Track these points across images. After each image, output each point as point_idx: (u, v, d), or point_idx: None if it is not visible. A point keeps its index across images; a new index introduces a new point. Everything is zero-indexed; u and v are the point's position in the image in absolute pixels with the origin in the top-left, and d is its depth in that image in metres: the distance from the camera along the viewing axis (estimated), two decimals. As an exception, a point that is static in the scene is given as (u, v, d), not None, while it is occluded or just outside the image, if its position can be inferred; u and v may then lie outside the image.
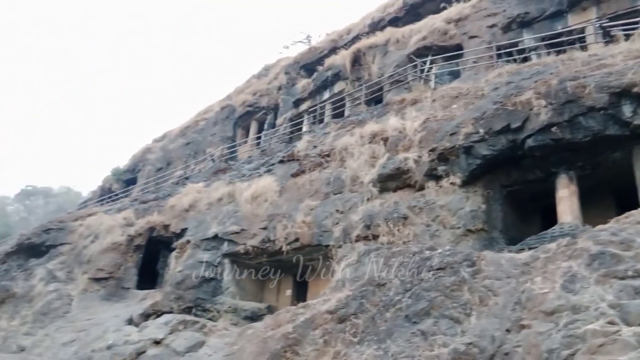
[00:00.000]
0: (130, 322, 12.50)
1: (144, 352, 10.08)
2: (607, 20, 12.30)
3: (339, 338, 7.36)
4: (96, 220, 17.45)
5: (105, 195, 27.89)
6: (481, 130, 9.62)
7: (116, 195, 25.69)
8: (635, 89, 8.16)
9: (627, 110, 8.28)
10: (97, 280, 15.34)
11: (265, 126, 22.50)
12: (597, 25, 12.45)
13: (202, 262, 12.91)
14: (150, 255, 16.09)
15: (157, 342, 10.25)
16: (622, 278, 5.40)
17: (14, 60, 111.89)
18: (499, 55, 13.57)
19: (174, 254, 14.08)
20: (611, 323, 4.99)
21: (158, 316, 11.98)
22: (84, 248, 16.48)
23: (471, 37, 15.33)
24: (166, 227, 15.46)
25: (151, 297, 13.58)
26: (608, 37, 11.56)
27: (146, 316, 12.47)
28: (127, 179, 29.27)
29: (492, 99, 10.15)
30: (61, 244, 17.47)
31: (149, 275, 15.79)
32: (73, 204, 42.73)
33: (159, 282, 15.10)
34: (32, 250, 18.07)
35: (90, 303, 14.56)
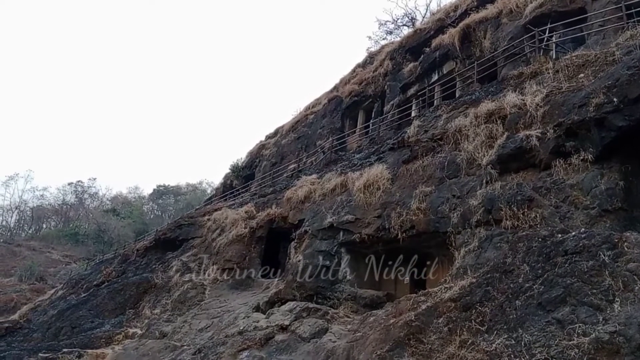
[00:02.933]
0: (257, 309, 13.23)
1: (272, 337, 10.58)
2: None
3: (465, 327, 7.11)
4: (221, 214, 18.67)
5: (227, 191, 29.72)
6: (615, 100, 8.66)
7: (237, 190, 27.26)
8: None
9: None
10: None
11: (373, 115, 22.40)
12: None
13: (320, 251, 13.23)
14: (272, 246, 16.85)
15: (283, 328, 10.70)
16: None
17: (150, 74, 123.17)
18: (630, 16, 12.10)
19: (292, 244, 14.59)
20: None
21: (282, 304, 12.51)
22: (212, 241, 17.73)
23: (595, -1, 13.86)
24: (284, 218, 16.08)
25: (275, 286, 14.22)
26: None
27: (272, 304, 13.09)
28: (246, 174, 30.88)
29: (626, 63, 9.09)
30: (192, 238, 18.97)
31: (271, 265, 16.56)
32: (199, 200, 46.25)
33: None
34: (168, 244, 19.81)
35: (221, 292, 15.63)
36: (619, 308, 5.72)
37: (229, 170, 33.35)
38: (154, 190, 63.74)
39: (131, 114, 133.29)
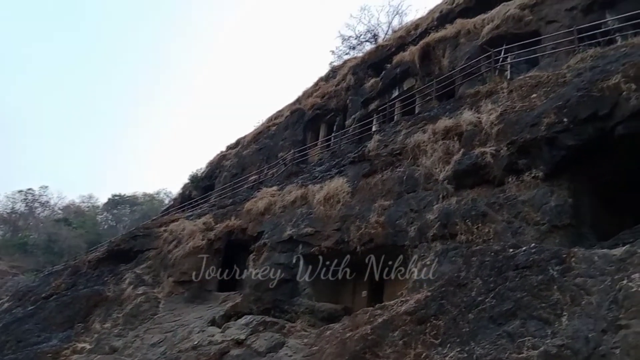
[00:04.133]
0: (213, 323, 12.95)
1: (227, 352, 10.39)
2: None
3: (419, 340, 7.18)
4: (178, 225, 18.28)
5: (186, 201, 29.17)
6: (565, 120, 9.02)
7: (196, 201, 26.79)
8: None
9: None
10: (181, 283, 16.03)
11: (335, 128, 22.55)
12: (693, -2, 11.33)
13: (278, 264, 13.13)
14: (230, 258, 16.59)
15: (239, 343, 10.53)
16: None
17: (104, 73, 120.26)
18: (581, 40, 12.70)
19: (251, 256, 14.42)
20: None
21: (239, 317, 12.31)
22: (168, 253, 17.30)
23: (549, 22, 14.47)
24: (243, 230, 15.89)
25: (232, 299, 13.99)
26: None
27: (228, 317, 12.86)
28: (205, 185, 30.42)
29: (576, 85, 9.50)
30: (147, 250, 18.45)
31: (229, 277, 16.24)
32: (156, 211, 45.15)
33: (239, 284, 15.53)
34: (121, 255, 19.19)
35: (176, 305, 15.25)
36: (567, 322, 5.88)
37: (187, 181, 32.78)
38: (109, 199, 61.85)
39: (87, 121, 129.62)
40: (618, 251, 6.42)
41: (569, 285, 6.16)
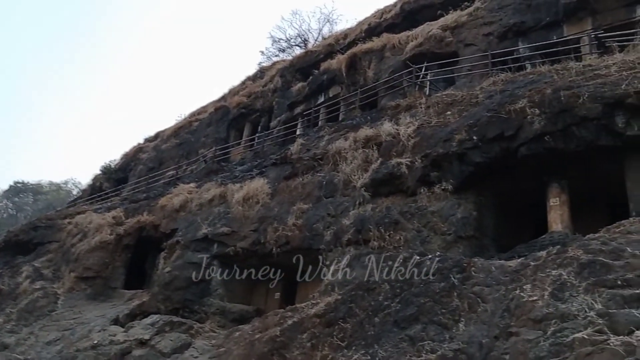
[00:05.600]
0: (116, 322, 12.36)
1: (129, 352, 9.95)
2: (602, 31, 12.36)
3: (327, 342, 7.30)
4: (85, 218, 17.30)
5: (96, 193, 27.63)
6: (475, 138, 9.61)
7: (106, 194, 25.47)
8: (629, 100, 8.19)
9: (619, 121, 8.31)
10: (84, 279, 15.16)
11: (259, 128, 22.42)
12: (593, 36, 12.51)
13: (191, 263, 12.80)
14: (139, 255, 15.94)
15: (142, 343, 10.12)
16: (612, 287, 5.38)
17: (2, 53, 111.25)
18: (494, 64, 13.59)
19: (162, 254, 13.94)
20: (599, 332, 4.95)
21: (145, 317, 11.85)
22: (71, 246, 16.32)
23: (467, 45, 15.36)
24: (156, 227, 15.33)
25: (138, 298, 13.44)
26: (603, 48, 11.61)
27: (133, 316, 12.34)
28: (118, 177, 29.04)
29: (487, 106, 10.15)
30: (49, 242, 17.32)
31: (137, 275, 15.64)
32: (63, 201, 42.38)
33: (147, 282, 14.94)
34: (20, 247, 17.89)
35: (77, 302, 14.39)
36: (464, 327, 6.24)
37: (99, 172, 31.07)
38: (10, 186, 57.15)
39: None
40: (513, 263, 6.93)
41: (467, 292, 6.54)
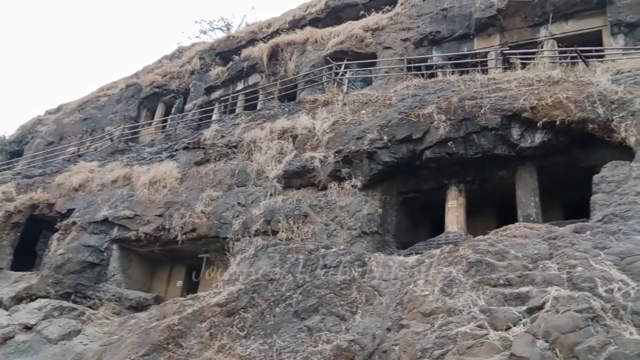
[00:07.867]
0: (0, 305, 11.43)
1: (11, 337, 9.25)
2: (508, 47, 13.30)
3: (226, 331, 7.24)
4: (-31, 192, 15.72)
5: (-15, 166, 25.26)
6: (385, 138, 9.96)
7: (-1, 167, 23.38)
8: (525, 114, 8.88)
9: (515, 132, 8.99)
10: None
11: (173, 110, 21.61)
12: (499, 51, 13.41)
13: (87, 246, 12.11)
14: (30, 235, 14.81)
15: (27, 328, 9.44)
16: (494, 286, 5.82)
17: None
18: (409, 69, 14.15)
19: (56, 235, 13.06)
20: (480, 327, 5.35)
21: (32, 300, 11.07)
22: (-49, 221, 14.77)
23: (385, 48, 15.83)
24: (50, 205, 14.32)
25: (26, 280, 12.49)
26: (507, 63, 12.47)
27: (18, 300, 11.50)
28: (12, 150, 26.81)
29: (398, 109, 10.54)
30: None
31: (26, 256, 14.52)
32: (-56, 172, 38.22)
33: (37, 264, 13.94)
34: None
35: (-47, 283, 13.07)
36: (360, 319, 6.47)
37: (-9, 143, 28.42)
38: None
39: None
40: (411, 259, 7.29)
41: (366, 286, 6.79)
